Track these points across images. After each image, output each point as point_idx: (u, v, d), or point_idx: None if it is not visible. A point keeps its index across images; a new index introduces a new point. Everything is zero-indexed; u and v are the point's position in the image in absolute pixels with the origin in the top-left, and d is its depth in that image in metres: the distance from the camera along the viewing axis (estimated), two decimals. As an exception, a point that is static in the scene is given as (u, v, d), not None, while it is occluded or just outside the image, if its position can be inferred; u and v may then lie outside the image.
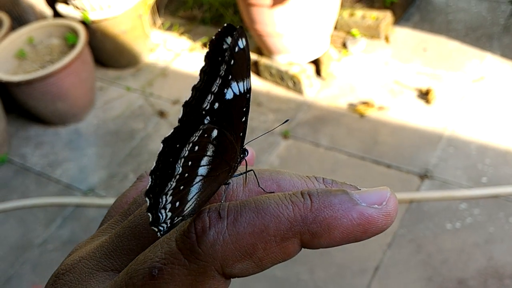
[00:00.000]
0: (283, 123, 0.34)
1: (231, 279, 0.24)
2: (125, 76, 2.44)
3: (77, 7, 2.28)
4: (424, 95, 1.94)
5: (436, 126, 1.84)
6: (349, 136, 1.89)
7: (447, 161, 1.73)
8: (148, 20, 2.48)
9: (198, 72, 0.23)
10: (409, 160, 1.76)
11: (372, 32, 2.20)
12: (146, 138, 2.11)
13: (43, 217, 1.91)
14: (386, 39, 2.20)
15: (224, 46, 0.23)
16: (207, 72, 0.23)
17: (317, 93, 2.08)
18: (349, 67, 2.14)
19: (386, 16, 2.19)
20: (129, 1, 2.28)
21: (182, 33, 2.57)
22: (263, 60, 2.12)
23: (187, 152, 0.22)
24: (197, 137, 0.22)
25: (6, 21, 2.33)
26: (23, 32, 2.26)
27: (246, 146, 0.26)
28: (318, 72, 2.12)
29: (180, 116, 0.23)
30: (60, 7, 2.35)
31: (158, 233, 0.23)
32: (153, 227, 0.23)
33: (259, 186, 0.26)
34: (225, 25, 0.23)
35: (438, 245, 1.52)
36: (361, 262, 1.53)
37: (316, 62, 2.10)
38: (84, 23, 2.25)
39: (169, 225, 0.23)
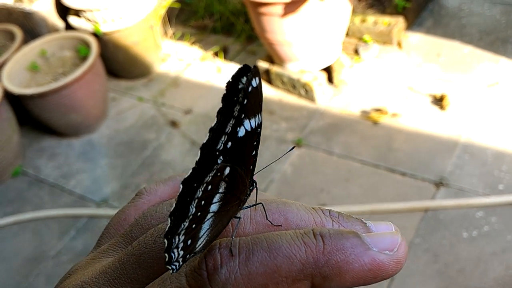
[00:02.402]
0: (289, 151, 0.35)
1: None
2: (137, 86, 2.45)
3: (88, 20, 2.29)
4: (439, 101, 1.91)
5: (451, 132, 1.81)
6: (363, 144, 1.87)
7: (462, 168, 1.70)
8: (160, 30, 2.49)
9: (216, 112, 0.24)
10: (424, 167, 1.74)
11: (385, 38, 2.18)
12: (159, 148, 2.11)
13: (57, 228, 1.91)
14: (399, 44, 2.18)
15: (240, 86, 0.24)
16: (223, 113, 0.24)
17: (329, 100, 2.06)
18: (362, 73, 2.12)
19: (398, 22, 2.17)
20: (140, 12, 2.29)
21: (193, 43, 2.57)
22: (275, 68, 2.11)
23: (201, 192, 0.22)
24: (211, 177, 0.22)
25: (19, 34, 2.35)
26: (35, 45, 2.28)
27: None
28: (330, 79, 2.10)
29: (197, 159, 0.23)
30: (72, 19, 2.36)
31: (172, 271, 0.23)
32: (167, 266, 0.22)
33: (266, 219, 0.26)
34: (241, 66, 0.24)
35: (454, 254, 1.50)
36: None
37: (328, 70, 2.09)
38: (96, 35, 2.26)
39: (181, 263, 0.23)
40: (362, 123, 1.94)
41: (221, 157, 0.23)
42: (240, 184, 0.24)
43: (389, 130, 1.89)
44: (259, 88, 0.24)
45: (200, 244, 0.23)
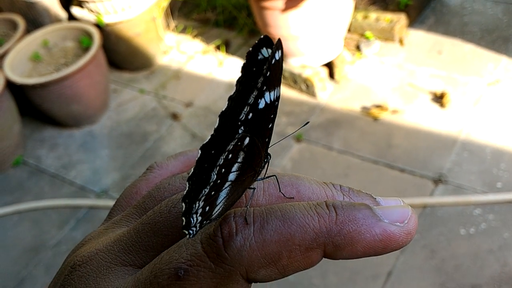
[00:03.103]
0: (304, 125, 0.34)
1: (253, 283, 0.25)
2: (139, 78, 2.46)
3: (91, 10, 2.29)
4: (439, 98, 1.92)
5: (451, 130, 1.82)
6: (363, 140, 1.88)
7: (461, 166, 1.71)
8: (162, 23, 2.49)
9: (235, 82, 0.24)
10: (423, 164, 1.75)
11: (386, 35, 2.19)
12: (159, 140, 2.12)
13: (56, 218, 1.92)
14: (400, 41, 2.19)
15: (259, 57, 0.24)
16: (242, 83, 0.24)
17: (330, 96, 2.07)
18: (363, 70, 2.13)
19: (401, 19, 2.17)
20: (143, 4, 2.29)
21: (195, 36, 2.58)
22: (276, 63, 2.12)
23: (222, 160, 0.22)
24: (232, 146, 0.22)
25: (21, 24, 2.35)
26: (38, 35, 2.29)
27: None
28: (331, 75, 2.11)
29: (216, 126, 0.23)
30: (75, 10, 2.37)
31: (188, 236, 0.23)
32: (184, 231, 0.23)
33: (279, 191, 0.26)
34: (262, 36, 0.24)
35: (451, 250, 1.51)
36: (373, 268, 1.52)
37: (330, 65, 2.09)
38: (98, 26, 2.27)
39: (198, 228, 0.23)
40: (362, 119, 1.95)
41: (242, 127, 0.24)
42: (257, 155, 0.25)
43: (389, 127, 1.89)
44: (281, 61, 0.24)
45: (216, 212, 0.24)
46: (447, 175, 1.69)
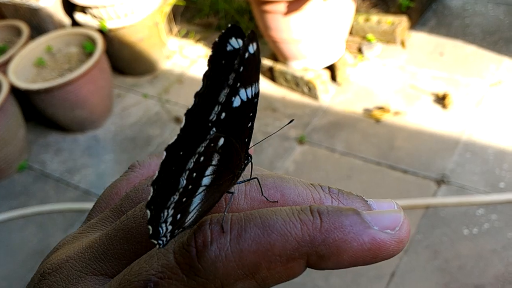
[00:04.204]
0: (289, 123, 0.33)
1: None
2: (142, 83, 2.47)
3: (94, 16, 2.31)
4: (441, 99, 1.92)
5: (453, 131, 1.82)
6: (365, 142, 1.89)
7: (464, 166, 1.71)
8: (165, 27, 2.51)
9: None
10: (426, 165, 1.75)
11: (388, 37, 2.19)
12: (163, 145, 2.13)
13: (61, 222, 1.93)
14: (402, 44, 2.20)
15: (228, 48, 0.22)
16: (210, 77, 0.22)
17: (332, 98, 2.08)
18: (365, 72, 2.14)
19: (402, 21, 2.18)
20: (146, 9, 2.31)
21: (198, 40, 2.59)
22: (278, 66, 2.13)
23: (192, 163, 0.21)
24: (203, 148, 0.21)
25: (25, 30, 2.38)
26: (42, 41, 2.31)
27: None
28: (333, 77, 2.12)
29: (182, 125, 0.22)
30: (78, 16, 2.39)
31: (158, 246, 0.21)
32: (152, 240, 0.21)
33: (262, 194, 0.25)
34: (229, 25, 0.22)
35: (455, 251, 1.51)
36: (377, 269, 1.52)
37: (332, 68, 2.10)
38: (102, 31, 2.28)
39: (169, 238, 0.22)
40: (365, 121, 1.95)
41: (214, 129, 0.22)
42: (235, 157, 0.23)
43: (391, 128, 1.90)
44: (256, 54, 0.22)
45: (190, 219, 0.22)
46: (449, 175, 1.69)
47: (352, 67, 2.15)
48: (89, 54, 2.23)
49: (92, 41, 2.24)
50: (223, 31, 0.22)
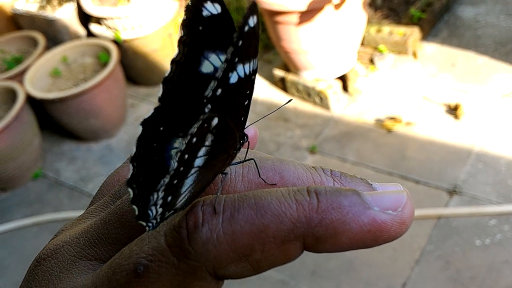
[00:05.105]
0: (287, 102, 0.32)
1: (225, 280, 0.22)
2: (155, 93, 2.50)
3: (109, 27, 2.35)
4: (453, 110, 1.92)
5: (465, 141, 1.82)
6: (376, 152, 1.89)
7: (476, 177, 1.71)
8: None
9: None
10: (438, 175, 1.75)
11: (400, 48, 2.20)
12: (175, 154, 2.15)
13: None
14: (414, 54, 2.20)
15: (204, 13, 0.21)
16: (187, 44, 0.21)
17: (344, 108, 2.09)
18: (377, 82, 2.14)
19: (414, 32, 2.19)
20: (159, 20, 2.34)
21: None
22: (290, 77, 2.14)
23: (184, 145, 0.19)
24: (196, 129, 0.19)
25: (42, 41, 2.42)
26: (57, 52, 2.34)
27: (249, 127, 0.24)
28: (345, 88, 2.13)
29: (160, 94, 0.21)
30: (93, 27, 2.43)
31: (148, 229, 0.21)
32: (140, 221, 0.20)
33: (259, 176, 0.24)
34: None
35: (467, 261, 1.50)
36: (388, 279, 1.52)
37: (343, 78, 2.11)
38: (116, 42, 2.32)
39: (159, 220, 0.21)
40: (376, 131, 1.96)
41: (209, 105, 0.20)
42: (230, 137, 0.22)
43: (403, 138, 1.90)
44: (256, 28, 0.20)
45: (181, 201, 0.21)
46: (461, 186, 1.69)
47: (363, 78, 2.16)
48: (104, 64, 2.27)
49: (107, 51, 2.28)
50: None
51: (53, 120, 2.27)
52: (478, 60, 2.11)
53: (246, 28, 0.20)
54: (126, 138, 2.31)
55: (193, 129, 0.19)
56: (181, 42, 0.21)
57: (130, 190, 0.20)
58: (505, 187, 1.65)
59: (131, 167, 0.19)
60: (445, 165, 1.78)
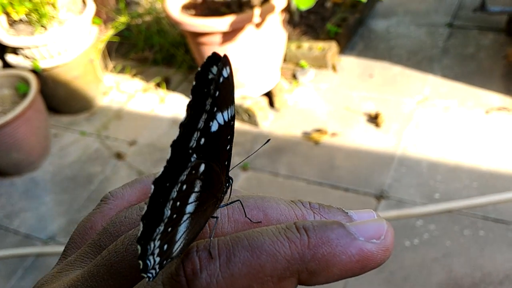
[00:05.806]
0: (265, 143, 0.34)
1: None
2: (80, 121, 2.44)
3: (27, 57, 2.27)
4: (374, 119, 2.01)
5: (388, 147, 1.91)
6: (306, 164, 1.94)
7: (400, 181, 1.79)
8: (100, 64, 2.50)
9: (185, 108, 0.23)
10: (365, 182, 1.82)
11: (320, 62, 2.28)
12: (105, 181, 2.10)
13: (3, 269, 1.86)
14: (333, 68, 2.29)
15: (210, 76, 0.22)
16: (193, 107, 0.22)
17: (272, 124, 2.13)
18: (301, 97, 2.21)
19: (332, 46, 2.28)
20: (80, 47, 2.29)
21: (134, 75, 2.59)
22: (217, 96, 2.16)
23: (175, 193, 0.20)
24: (185, 176, 0.20)
25: (-46, 74, 2.30)
26: (-28, 84, 2.24)
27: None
28: (271, 103, 2.17)
29: (168, 157, 0.21)
30: (10, 57, 2.34)
31: (148, 280, 0.21)
32: (142, 274, 0.21)
33: (245, 216, 0.24)
34: (210, 54, 0.22)
35: (399, 262, 1.57)
36: (327, 285, 1.56)
37: (269, 94, 2.16)
38: (35, 71, 2.25)
39: (157, 270, 0.21)
40: (304, 143, 2.01)
41: (194, 155, 0.22)
42: (216, 181, 0.23)
43: (330, 149, 1.97)
44: (230, 78, 0.22)
45: (177, 248, 0.22)
46: (388, 190, 1.77)
47: (288, 93, 2.21)
48: (23, 95, 2.19)
49: (26, 82, 2.20)
50: (205, 60, 0.22)
51: (-29, 157, 2.15)
52: (393, 70, 2.23)
53: (221, 79, 0.21)
54: (51, 169, 2.23)
55: (183, 177, 0.20)
56: (188, 106, 0.22)
57: (139, 246, 0.20)
58: (428, 188, 1.75)
59: (141, 224, 0.20)
60: (371, 171, 1.85)
